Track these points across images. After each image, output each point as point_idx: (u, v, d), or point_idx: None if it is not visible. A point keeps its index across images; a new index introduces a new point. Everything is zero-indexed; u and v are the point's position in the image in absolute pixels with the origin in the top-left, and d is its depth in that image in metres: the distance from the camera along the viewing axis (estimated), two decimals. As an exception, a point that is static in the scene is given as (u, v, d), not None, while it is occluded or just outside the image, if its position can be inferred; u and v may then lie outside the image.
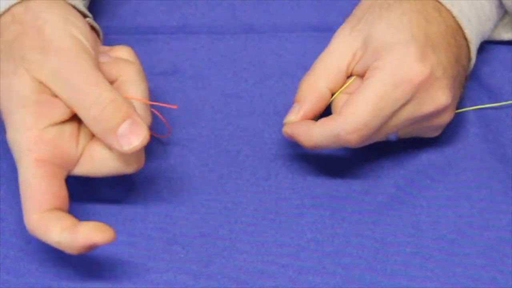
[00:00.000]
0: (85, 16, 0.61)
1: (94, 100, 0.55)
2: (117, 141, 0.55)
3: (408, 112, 0.59)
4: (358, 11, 0.63)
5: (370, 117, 0.58)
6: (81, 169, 0.58)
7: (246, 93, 0.70)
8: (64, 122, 0.57)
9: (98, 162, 0.58)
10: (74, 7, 0.60)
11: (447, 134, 0.67)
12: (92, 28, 0.62)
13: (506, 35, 0.71)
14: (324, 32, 0.72)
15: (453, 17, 0.62)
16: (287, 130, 0.62)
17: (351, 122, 0.58)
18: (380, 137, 0.61)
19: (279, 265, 0.60)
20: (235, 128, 0.68)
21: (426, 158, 0.66)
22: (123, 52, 0.62)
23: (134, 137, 0.55)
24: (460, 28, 0.63)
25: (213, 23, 0.73)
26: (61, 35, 0.56)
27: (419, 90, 0.59)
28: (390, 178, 0.65)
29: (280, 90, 0.70)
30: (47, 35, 0.56)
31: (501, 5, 0.67)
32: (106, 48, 0.62)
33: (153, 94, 0.65)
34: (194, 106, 0.69)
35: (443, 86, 0.60)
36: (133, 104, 0.57)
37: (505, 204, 0.63)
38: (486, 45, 0.72)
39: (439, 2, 0.62)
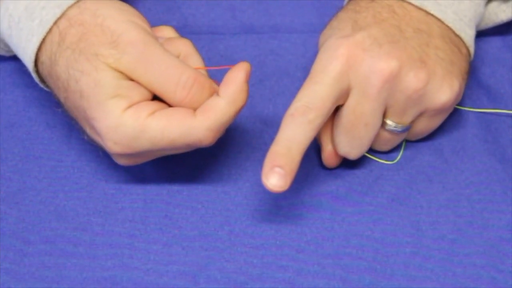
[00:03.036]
0: None
1: (178, 82, 0.57)
2: None
3: (358, 94, 0.59)
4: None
5: (308, 89, 0.59)
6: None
7: (246, 93, 0.70)
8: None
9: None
10: None
11: (447, 135, 0.67)
12: None
13: (504, 15, 0.70)
14: (324, 32, 0.72)
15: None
16: (266, 164, 0.58)
17: (295, 99, 0.59)
18: (371, 136, 0.61)
19: (279, 265, 0.60)
20: (235, 128, 0.68)
21: (426, 159, 0.66)
22: (168, 30, 0.64)
23: None
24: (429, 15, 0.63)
25: (213, 23, 0.73)
26: (125, 28, 0.58)
27: (351, 65, 0.59)
28: (390, 178, 0.65)
29: (280, 91, 0.70)
30: (113, 30, 0.57)
31: None
32: (153, 29, 0.63)
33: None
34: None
35: (375, 54, 0.59)
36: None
37: (505, 204, 0.63)
38: (486, 45, 0.72)
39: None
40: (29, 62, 0.61)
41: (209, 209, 0.63)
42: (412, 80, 0.59)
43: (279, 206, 0.63)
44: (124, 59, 0.57)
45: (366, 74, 0.59)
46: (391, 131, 0.62)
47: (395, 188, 0.64)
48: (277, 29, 0.73)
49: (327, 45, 0.60)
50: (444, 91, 0.60)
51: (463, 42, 0.63)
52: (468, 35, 0.64)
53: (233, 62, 0.71)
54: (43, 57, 0.60)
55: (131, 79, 0.57)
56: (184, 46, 0.62)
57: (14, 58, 0.71)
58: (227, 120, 0.57)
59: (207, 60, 0.71)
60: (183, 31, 0.72)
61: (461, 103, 0.68)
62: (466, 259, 0.60)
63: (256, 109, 0.69)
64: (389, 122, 0.61)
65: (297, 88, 0.69)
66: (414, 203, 0.63)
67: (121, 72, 0.57)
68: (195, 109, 0.58)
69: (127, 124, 0.56)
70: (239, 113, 0.58)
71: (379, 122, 0.61)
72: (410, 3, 0.62)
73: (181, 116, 0.57)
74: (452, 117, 0.68)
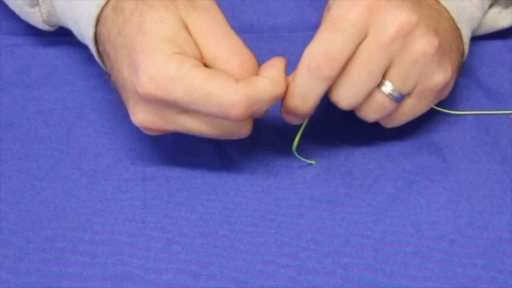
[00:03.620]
0: None
1: (235, 52, 0.58)
2: None
3: (374, 39, 0.58)
4: None
5: (328, 38, 0.58)
6: None
7: (245, 93, 0.70)
8: None
9: None
10: None
11: (446, 136, 0.67)
12: None
13: (504, 22, 0.71)
14: (323, 32, 0.72)
15: None
16: (282, 110, 0.61)
17: (312, 49, 0.58)
18: (367, 84, 0.60)
19: (279, 265, 0.60)
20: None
21: (425, 160, 0.66)
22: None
23: None
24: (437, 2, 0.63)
25: (213, 23, 0.73)
26: None
27: (371, 13, 0.58)
28: (390, 178, 0.65)
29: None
30: None
31: None
32: None
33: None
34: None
35: (397, 4, 0.58)
36: None
37: (505, 204, 0.63)
38: (486, 45, 0.73)
39: None
40: (92, 19, 0.62)
41: (209, 209, 0.63)
42: (425, 43, 0.59)
43: (279, 206, 0.64)
44: (194, 13, 0.58)
45: (385, 21, 0.58)
46: (386, 95, 0.60)
47: (395, 188, 0.64)
48: (277, 29, 0.73)
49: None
50: (440, 72, 0.60)
51: (461, 37, 0.63)
52: (466, 32, 0.64)
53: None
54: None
55: (192, 36, 0.58)
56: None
57: (13, 57, 0.71)
58: (266, 98, 0.58)
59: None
60: (183, 31, 0.72)
61: (460, 102, 0.68)
62: (466, 259, 0.60)
63: (255, 108, 0.69)
64: (387, 83, 0.60)
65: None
66: (414, 203, 0.63)
67: (186, 25, 0.58)
68: None
69: (172, 64, 0.56)
70: (277, 101, 0.59)
71: (380, 77, 0.60)
72: None
73: (224, 76, 0.57)
74: (452, 118, 0.68)
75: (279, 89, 0.58)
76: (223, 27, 0.59)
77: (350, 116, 0.68)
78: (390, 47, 0.58)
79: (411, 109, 0.63)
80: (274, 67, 0.59)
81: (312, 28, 0.72)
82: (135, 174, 0.65)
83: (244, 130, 0.61)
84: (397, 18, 0.58)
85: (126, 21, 0.59)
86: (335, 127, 0.68)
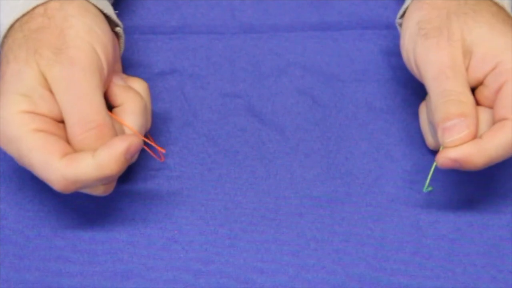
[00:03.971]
0: (116, 25, 0.62)
1: (81, 118, 0.55)
2: None
3: None
4: (437, 23, 0.60)
5: None
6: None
7: (245, 93, 0.70)
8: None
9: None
10: (108, 16, 0.61)
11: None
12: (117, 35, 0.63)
13: None
14: (323, 32, 0.72)
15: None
16: (453, 155, 0.56)
17: None
18: None
19: (279, 264, 0.61)
20: (234, 127, 0.68)
21: (425, 160, 0.66)
22: (139, 84, 0.62)
23: None
24: None
25: (212, 23, 0.73)
26: (79, 45, 0.57)
27: None
28: (390, 178, 0.65)
29: (279, 90, 0.70)
30: (66, 40, 0.56)
31: None
32: (124, 76, 0.62)
33: (152, 93, 0.65)
34: (192, 106, 0.69)
35: None
36: (125, 132, 0.58)
37: (505, 204, 0.63)
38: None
39: (498, 5, 0.61)
40: (1, 36, 0.60)
41: (209, 209, 0.63)
42: None
43: (279, 206, 0.64)
44: (55, 69, 0.56)
45: None
46: None
47: (395, 188, 0.64)
48: (277, 29, 0.73)
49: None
50: None
51: None
52: None
53: (232, 61, 0.71)
54: (8, 33, 0.59)
55: (51, 91, 0.56)
56: (135, 103, 0.60)
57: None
58: (87, 179, 0.55)
59: (206, 60, 0.71)
60: (183, 31, 0.73)
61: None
62: (466, 259, 0.60)
63: (254, 108, 0.69)
64: None
65: (296, 87, 0.69)
66: (414, 203, 0.63)
67: (46, 80, 0.56)
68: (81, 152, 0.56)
69: (12, 124, 0.55)
70: (106, 179, 0.56)
71: None
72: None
73: (51, 149, 0.55)
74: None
75: (101, 173, 0.55)
76: (81, 86, 0.56)
77: (350, 117, 0.68)
78: None
79: None
80: (110, 148, 0.55)
81: (312, 28, 0.73)
82: (135, 174, 0.65)
83: (98, 192, 0.59)
84: None
85: (0, 65, 0.58)
86: (335, 127, 0.68)
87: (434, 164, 0.59)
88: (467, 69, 0.59)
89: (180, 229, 0.62)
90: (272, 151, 0.67)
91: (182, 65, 0.71)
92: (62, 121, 0.57)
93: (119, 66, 0.62)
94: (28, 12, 0.58)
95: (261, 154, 0.67)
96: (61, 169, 0.54)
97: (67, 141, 0.56)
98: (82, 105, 0.55)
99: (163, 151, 0.63)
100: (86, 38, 0.57)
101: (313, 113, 0.68)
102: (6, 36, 0.59)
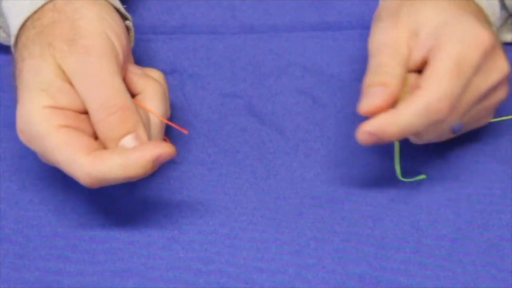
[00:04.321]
0: (125, 18, 0.62)
1: (104, 103, 0.55)
2: None
3: (476, 85, 0.58)
4: (391, 11, 0.61)
5: (454, 81, 0.56)
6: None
7: (245, 93, 0.70)
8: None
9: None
10: (117, 9, 0.61)
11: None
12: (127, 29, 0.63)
13: (509, 36, 0.71)
14: (323, 32, 0.72)
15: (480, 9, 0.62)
16: (368, 128, 0.57)
17: (438, 90, 0.56)
18: (450, 124, 0.59)
19: (279, 264, 0.61)
20: (234, 127, 0.68)
21: (425, 160, 0.66)
22: (155, 73, 0.62)
23: None
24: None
25: (213, 23, 0.73)
26: (93, 33, 0.57)
27: (486, 56, 0.57)
28: (390, 178, 0.65)
29: (279, 90, 0.70)
30: (79, 30, 0.57)
31: (503, 6, 0.67)
32: (139, 66, 0.62)
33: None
34: (192, 106, 0.69)
35: (502, 53, 0.59)
36: (149, 119, 0.58)
37: (505, 204, 0.63)
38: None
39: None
40: (13, 35, 0.60)
41: (209, 209, 0.63)
42: (505, 91, 0.60)
43: (279, 206, 0.64)
44: (71, 59, 0.56)
45: (491, 69, 0.58)
46: (450, 128, 0.61)
47: (395, 188, 0.64)
48: (277, 29, 0.73)
49: (466, 31, 0.57)
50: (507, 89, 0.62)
51: None
52: None
53: (232, 61, 0.71)
54: (21, 32, 0.60)
55: (70, 83, 0.56)
56: (154, 89, 0.60)
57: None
58: (111, 179, 0.55)
59: (206, 60, 0.71)
60: (183, 31, 0.73)
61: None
62: (466, 259, 0.60)
63: (254, 108, 0.69)
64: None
65: (296, 87, 0.69)
66: (414, 203, 0.63)
67: (63, 72, 0.56)
68: (107, 137, 0.56)
69: (36, 121, 0.56)
70: (130, 180, 0.55)
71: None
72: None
73: (77, 145, 0.55)
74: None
75: (126, 174, 0.55)
76: (99, 72, 0.56)
77: (350, 117, 0.68)
78: (485, 93, 0.59)
79: (477, 116, 0.62)
80: (142, 151, 0.55)
81: (312, 28, 0.73)
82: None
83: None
84: (500, 68, 0.58)
85: (15, 63, 0.59)
86: (335, 127, 0.68)
87: (397, 145, 0.61)
88: (413, 52, 0.59)
89: (180, 229, 0.62)
90: (272, 151, 0.67)
91: (182, 65, 0.71)
92: (83, 113, 0.57)
93: (131, 59, 0.63)
94: (38, 10, 0.59)
95: (261, 154, 0.67)
96: (86, 166, 0.55)
97: (91, 134, 0.57)
98: (102, 90, 0.56)
99: (185, 132, 0.63)
100: (98, 26, 0.57)
101: (313, 113, 0.68)
102: (19, 35, 0.60)
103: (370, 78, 0.58)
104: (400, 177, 0.63)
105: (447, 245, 0.61)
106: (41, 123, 0.55)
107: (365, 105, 0.58)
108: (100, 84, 0.56)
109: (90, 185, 0.55)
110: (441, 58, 0.57)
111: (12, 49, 0.62)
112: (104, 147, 0.57)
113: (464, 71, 0.57)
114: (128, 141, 0.56)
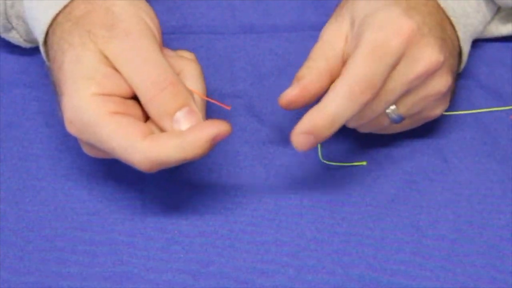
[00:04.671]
0: None
1: (154, 80, 0.56)
2: (171, 126, 0.56)
3: (402, 73, 0.58)
4: (336, 9, 0.63)
5: (370, 64, 0.57)
6: None
7: (245, 93, 0.70)
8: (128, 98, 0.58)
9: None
10: None
11: (446, 136, 0.67)
12: None
13: (505, 28, 0.71)
14: (323, 32, 0.72)
15: (438, 4, 0.62)
16: (299, 129, 0.57)
17: (356, 73, 0.56)
18: (380, 110, 0.60)
19: (279, 265, 0.61)
20: (233, 127, 0.68)
21: (425, 160, 0.66)
22: (187, 54, 0.63)
23: (189, 125, 0.56)
24: (447, 18, 0.62)
25: (212, 23, 0.73)
26: (129, 16, 0.58)
27: (408, 45, 0.57)
28: (390, 178, 0.65)
29: (278, 90, 0.70)
30: (115, 15, 0.57)
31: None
32: (171, 49, 0.62)
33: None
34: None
35: (431, 43, 0.58)
36: (192, 94, 0.58)
37: (504, 204, 0.63)
38: (485, 44, 0.72)
39: None
40: (41, 34, 0.61)
41: (209, 209, 0.63)
42: (443, 83, 0.60)
43: (279, 206, 0.64)
44: (113, 44, 0.56)
45: (417, 57, 0.58)
46: (388, 116, 0.61)
47: (395, 188, 0.64)
48: (276, 29, 0.73)
49: (387, 19, 0.58)
50: (443, 105, 0.62)
51: (461, 55, 0.64)
52: (465, 51, 0.64)
53: (232, 61, 0.71)
54: (53, 27, 0.60)
55: (114, 68, 0.57)
56: (192, 68, 0.61)
57: (13, 57, 0.71)
58: (169, 161, 0.55)
59: (206, 60, 0.71)
60: (183, 31, 0.73)
61: (460, 103, 0.68)
62: (466, 259, 0.60)
63: (254, 108, 0.69)
64: (393, 107, 0.60)
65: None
66: (414, 203, 0.63)
67: (106, 57, 0.57)
68: (160, 114, 0.56)
69: (87, 110, 0.55)
70: (188, 161, 0.56)
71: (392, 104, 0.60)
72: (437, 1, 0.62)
73: (132, 131, 0.55)
74: (451, 119, 0.68)
75: (185, 156, 0.55)
76: (143, 52, 0.57)
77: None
78: (413, 82, 0.59)
79: (404, 126, 0.64)
80: (198, 132, 0.55)
81: (312, 28, 0.73)
82: (135, 174, 0.65)
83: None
84: (428, 57, 0.58)
85: (54, 59, 0.59)
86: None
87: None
88: (349, 41, 0.60)
89: (180, 229, 0.62)
90: (272, 151, 0.67)
91: (182, 65, 0.71)
92: (130, 97, 0.57)
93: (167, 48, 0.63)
94: (68, 5, 0.59)
95: (261, 154, 0.67)
96: (144, 151, 0.55)
97: (141, 119, 0.57)
98: (149, 69, 0.56)
99: (228, 108, 0.63)
100: (132, 10, 0.58)
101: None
102: (51, 32, 0.60)
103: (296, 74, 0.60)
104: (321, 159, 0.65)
105: (447, 245, 0.61)
106: (93, 111, 0.55)
107: (280, 97, 0.60)
108: (146, 62, 0.56)
109: (149, 169, 0.55)
110: (359, 45, 0.57)
111: (41, 47, 0.62)
112: (156, 126, 0.57)
113: (382, 56, 0.57)
114: (182, 115, 0.56)
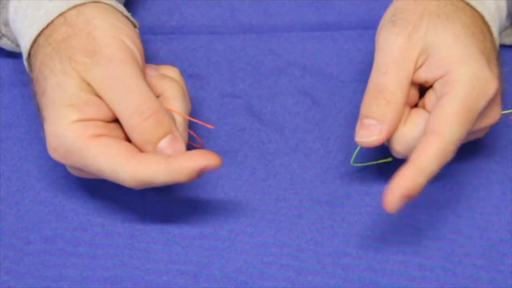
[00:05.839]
0: (134, 26, 0.63)
1: (137, 108, 0.56)
2: (155, 152, 0.56)
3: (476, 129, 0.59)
4: (408, 16, 0.60)
5: (463, 126, 0.56)
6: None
7: (244, 93, 0.70)
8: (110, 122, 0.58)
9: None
10: (126, 16, 0.61)
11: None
12: None
13: (508, 39, 0.71)
14: (323, 32, 0.72)
15: (489, 30, 0.62)
16: (398, 194, 0.55)
17: (451, 134, 0.56)
18: None
19: (279, 265, 0.60)
20: (233, 128, 0.68)
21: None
22: (170, 71, 0.62)
23: (173, 153, 0.56)
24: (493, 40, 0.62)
25: (212, 23, 0.73)
26: (110, 42, 0.57)
27: (489, 103, 0.58)
28: (390, 178, 0.65)
29: (278, 90, 0.70)
30: (96, 41, 0.57)
31: (510, 14, 0.67)
32: (154, 65, 0.62)
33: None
34: (192, 106, 0.69)
35: (499, 101, 0.60)
36: (174, 119, 0.58)
37: (504, 204, 0.63)
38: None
39: (480, 16, 0.61)
40: (24, 50, 0.61)
41: (209, 209, 0.63)
42: (493, 121, 0.61)
43: (279, 206, 0.64)
44: (94, 71, 0.56)
45: (487, 115, 0.59)
46: None
47: (395, 188, 0.64)
48: (277, 29, 0.73)
49: (477, 75, 0.57)
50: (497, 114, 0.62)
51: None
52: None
53: (232, 62, 0.71)
54: (34, 49, 0.60)
55: (96, 94, 0.57)
56: (174, 88, 0.60)
57: (13, 57, 0.71)
58: (155, 182, 0.55)
59: (207, 60, 0.71)
60: (183, 31, 0.73)
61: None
62: (466, 259, 0.60)
63: (254, 108, 0.69)
64: None
65: (296, 87, 0.69)
66: (414, 203, 0.63)
67: (88, 84, 0.56)
68: (144, 142, 0.56)
69: (68, 137, 0.56)
70: (173, 183, 0.56)
71: None
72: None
73: (117, 152, 0.55)
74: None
75: (170, 179, 0.55)
76: (126, 79, 0.56)
77: (350, 117, 0.68)
78: (473, 132, 0.60)
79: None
80: (188, 160, 0.55)
81: (312, 28, 0.73)
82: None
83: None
84: (495, 116, 0.60)
85: (35, 83, 0.59)
86: (335, 127, 0.68)
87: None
88: (419, 68, 0.59)
89: (180, 229, 0.62)
90: (272, 151, 0.67)
91: (181, 66, 0.71)
92: (112, 121, 0.57)
93: (150, 64, 0.63)
94: (49, 25, 0.59)
95: (261, 154, 0.67)
96: (131, 171, 0.55)
97: (124, 140, 0.57)
98: (132, 96, 0.56)
99: (211, 127, 0.63)
100: (113, 34, 0.58)
101: (313, 113, 0.68)
102: (32, 53, 0.60)
103: (367, 106, 0.58)
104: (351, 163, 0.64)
105: (447, 245, 0.61)
106: (75, 138, 0.56)
107: (360, 141, 0.59)
108: (129, 90, 0.56)
109: (138, 187, 0.56)
110: (451, 99, 0.57)
111: (25, 62, 0.62)
112: (140, 150, 0.57)
113: (471, 117, 0.57)
114: (166, 144, 0.57)
